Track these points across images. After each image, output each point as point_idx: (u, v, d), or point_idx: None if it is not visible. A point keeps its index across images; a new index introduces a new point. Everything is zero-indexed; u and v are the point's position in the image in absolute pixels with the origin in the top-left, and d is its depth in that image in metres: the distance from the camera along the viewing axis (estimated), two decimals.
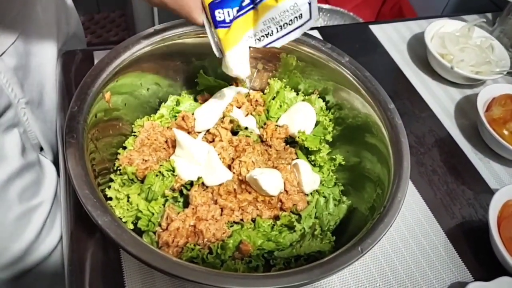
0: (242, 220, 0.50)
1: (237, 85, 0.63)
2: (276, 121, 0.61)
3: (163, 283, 0.49)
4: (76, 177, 0.41)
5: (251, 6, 0.44)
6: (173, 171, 0.51)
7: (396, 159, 0.49)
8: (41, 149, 0.68)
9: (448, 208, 0.64)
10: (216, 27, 0.44)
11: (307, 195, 0.54)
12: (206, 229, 0.47)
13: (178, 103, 0.61)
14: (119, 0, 1.85)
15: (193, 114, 0.57)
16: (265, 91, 0.64)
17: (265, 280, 0.38)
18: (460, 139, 0.74)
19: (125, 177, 0.50)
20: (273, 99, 0.63)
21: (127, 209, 0.48)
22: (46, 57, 0.66)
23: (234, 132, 0.58)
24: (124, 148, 0.55)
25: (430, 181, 0.67)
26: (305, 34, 0.50)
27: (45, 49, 0.66)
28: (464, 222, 0.63)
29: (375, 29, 0.91)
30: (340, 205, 0.54)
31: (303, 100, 0.62)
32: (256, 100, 0.62)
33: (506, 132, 0.69)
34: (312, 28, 0.53)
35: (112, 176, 0.50)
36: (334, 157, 0.58)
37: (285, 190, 0.52)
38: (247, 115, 0.61)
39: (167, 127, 0.57)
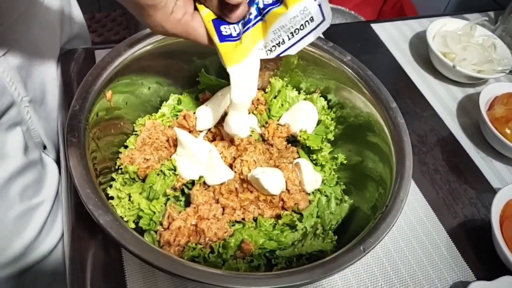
0: (243, 219, 0.50)
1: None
2: (278, 120, 0.61)
3: (165, 282, 0.49)
4: (77, 176, 0.41)
5: (259, 18, 0.43)
6: (175, 170, 0.51)
7: (398, 158, 0.49)
8: (44, 147, 0.68)
9: (450, 207, 0.64)
10: (221, 41, 0.42)
11: (309, 194, 0.54)
12: (208, 228, 0.47)
13: (179, 102, 0.61)
14: None
15: (194, 113, 0.57)
16: (267, 90, 0.64)
17: (267, 280, 0.38)
18: (462, 138, 0.74)
19: (127, 176, 0.50)
20: (274, 98, 0.63)
21: (129, 208, 0.48)
22: (49, 56, 0.66)
23: None
24: (126, 147, 0.55)
25: (432, 180, 0.67)
26: None
27: (48, 48, 0.66)
28: (467, 221, 0.63)
29: (377, 27, 0.91)
30: (342, 204, 0.54)
31: (304, 99, 0.62)
32: (258, 99, 0.62)
33: (508, 131, 0.68)
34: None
35: (113, 175, 0.50)
36: (336, 156, 0.58)
37: (286, 189, 0.52)
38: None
39: (169, 126, 0.57)
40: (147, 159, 0.52)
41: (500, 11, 0.97)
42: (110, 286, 0.48)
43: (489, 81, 0.84)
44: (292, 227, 0.50)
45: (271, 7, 0.42)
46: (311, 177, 0.53)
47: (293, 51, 0.43)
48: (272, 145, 0.57)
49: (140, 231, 0.48)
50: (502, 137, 0.68)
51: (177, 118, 0.58)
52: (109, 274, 0.49)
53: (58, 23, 0.68)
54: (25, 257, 0.60)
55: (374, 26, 0.91)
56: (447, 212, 0.63)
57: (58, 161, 0.68)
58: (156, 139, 0.55)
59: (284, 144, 0.59)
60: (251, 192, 0.50)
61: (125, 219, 0.47)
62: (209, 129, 0.57)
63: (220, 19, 0.42)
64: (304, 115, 0.59)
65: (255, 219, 0.51)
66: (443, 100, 0.80)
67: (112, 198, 0.47)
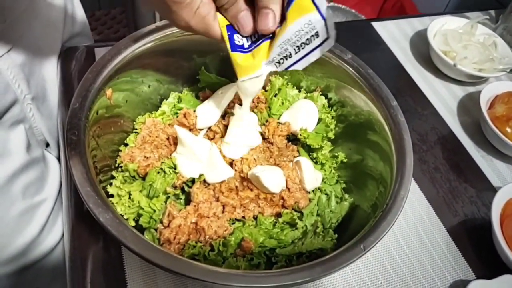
0: (243, 217, 0.50)
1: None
2: (278, 119, 0.61)
3: (165, 280, 0.49)
4: (77, 174, 0.41)
5: (269, 35, 0.42)
6: (175, 168, 0.51)
7: (398, 157, 0.49)
8: (47, 145, 0.68)
9: (451, 206, 0.64)
10: (232, 50, 0.42)
11: (309, 192, 0.54)
12: (208, 226, 0.46)
13: (179, 100, 0.61)
14: None
15: (194, 111, 0.57)
16: (267, 88, 0.64)
17: (267, 278, 0.38)
18: (463, 137, 0.74)
19: (127, 174, 0.50)
20: (275, 96, 0.63)
21: (129, 206, 0.47)
22: (51, 54, 0.66)
23: None
24: (126, 145, 0.55)
25: (432, 179, 0.67)
26: None
27: (50, 45, 0.66)
28: (467, 220, 0.63)
29: (378, 26, 0.91)
30: (342, 203, 0.54)
31: (305, 97, 0.62)
32: (258, 97, 0.62)
33: (509, 130, 0.68)
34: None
35: (113, 173, 0.50)
36: (336, 154, 0.58)
37: (287, 187, 0.52)
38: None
39: (169, 124, 0.57)
40: (147, 157, 0.52)
41: (501, 9, 0.97)
42: (110, 284, 0.48)
43: (489, 80, 0.84)
44: (292, 225, 0.50)
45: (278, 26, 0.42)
46: (311, 175, 0.53)
47: (299, 67, 0.42)
48: (272, 144, 0.57)
49: (140, 229, 0.48)
50: (503, 136, 0.68)
51: (177, 116, 0.58)
52: (109, 272, 0.49)
53: (60, 20, 0.69)
54: (27, 254, 0.60)
55: (375, 24, 0.91)
56: (447, 210, 0.63)
57: (60, 159, 0.68)
58: (156, 137, 0.54)
59: (285, 142, 0.59)
60: (251, 190, 0.50)
61: (125, 217, 0.47)
62: (209, 127, 0.57)
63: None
64: (304, 114, 0.59)
65: (255, 217, 0.51)
66: (443, 98, 0.80)
67: (112, 196, 0.47)
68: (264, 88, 0.64)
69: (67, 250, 0.51)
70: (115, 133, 0.53)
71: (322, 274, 0.39)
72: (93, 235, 0.51)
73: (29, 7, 0.58)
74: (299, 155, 0.57)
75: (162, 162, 0.51)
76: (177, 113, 0.60)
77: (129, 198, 0.48)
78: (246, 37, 0.43)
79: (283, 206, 0.52)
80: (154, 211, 0.48)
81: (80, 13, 0.76)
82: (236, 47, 0.42)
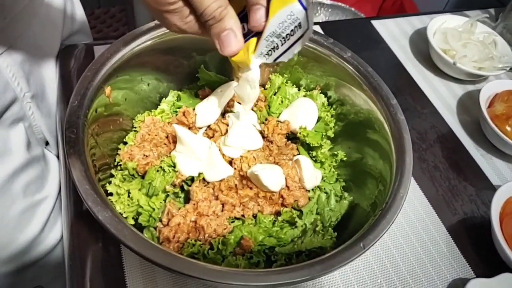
0: (243, 215, 0.50)
1: (237, 81, 0.63)
2: (278, 117, 0.61)
3: (164, 278, 0.49)
4: (76, 172, 0.41)
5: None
6: (174, 166, 0.51)
7: (398, 155, 0.49)
8: (47, 143, 0.68)
9: (450, 204, 0.64)
10: None
11: (309, 191, 0.54)
12: (207, 225, 0.46)
13: (179, 98, 0.60)
14: None
15: (194, 109, 0.57)
16: (266, 86, 0.64)
17: (267, 276, 0.38)
18: (462, 135, 0.74)
19: (126, 172, 0.50)
20: (274, 94, 0.62)
21: (128, 205, 0.47)
22: (50, 52, 0.66)
23: None
24: (125, 143, 0.54)
25: (432, 177, 0.67)
26: None
27: (50, 43, 0.66)
28: (466, 218, 0.63)
29: (377, 24, 0.91)
30: (341, 201, 0.54)
31: (304, 96, 0.62)
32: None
33: (508, 128, 0.68)
34: (314, 23, 0.51)
35: (112, 171, 0.50)
36: (335, 153, 0.58)
37: (286, 186, 0.52)
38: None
39: (168, 123, 0.57)
40: (147, 156, 0.52)
41: (501, 8, 0.97)
42: (109, 282, 0.48)
43: (489, 78, 0.84)
44: (292, 223, 0.50)
45: None
46: (311, 174, 0.53)
47: (285, 58, 0.43)
48: (271, 142, 0.57)
49: (139, 227, 0.48)
50: (502, 134, 0.68)
51: (176, 115, 0.58)
52: (108, 270, 0.49)
53: (60, 18, 0.68)
54: (28, 253, 0.60)
55: (375, 22, 0.91)
56: (446, 209, 0.63)
57: (60, 157, 0.68)
58: (156, 135, 0.54)
59: (284, 141, 0.59)
60: (251, 188, 0.50)
61: (124, 215, 0.47)
62: (209, 126, 0.57)
63: None
64: (304, 112, 0.59)
65: (254, 216, 0.51)
66: (443, 97, 0.80)
67: (111, 194, 0.47)
68: (263, 86, 0.64)
69: (67, 248, 0.51)
70: (114, 131, 0.53)
71: (322, 273, 0.39)
72: (92, 233, 0.51)
73: (29, 5, 0.58)
74: (299, 154, 0.57)
75: (161, 161, 0.51)
76: (176, 111, 0.59)
77: (128, 196, 0.48)
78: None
79: (283, 205, 0.51)
80: (154, 209, 0.48)
81: (79, 10, 0.76)
82: None
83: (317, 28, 0.85)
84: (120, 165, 0.51)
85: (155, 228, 0.48)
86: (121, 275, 0.49)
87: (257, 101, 0.62)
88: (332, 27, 0.87)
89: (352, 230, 0.45)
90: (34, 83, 0.61)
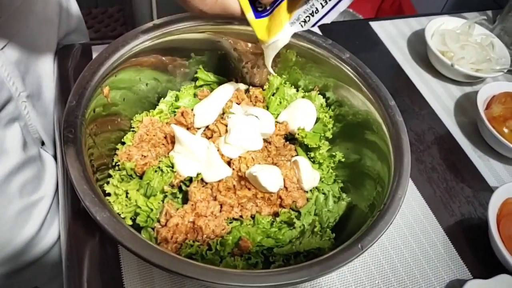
0: (241, 216, 0.50)
1: (236, 81, 0.63)
2: (276, 118, 0.61)
3: (162, 279, 0.49)
4: (74, 172, 0.40)
5: None
6: (172, 167, 0.51)
7: (396, 156, 0.49)
8: (43, 143, 0.67)
9: (448, 205, 0.64)
10: (256, 17, 0.43)
11: (307, 192, 0.54)
12: (205, 226, 0.46)
13: (177, 98, 0.60)
14: None
15: (192, 110, 0.57)
16: (265, 87, 0.64)
17: (265, 277, 0.38)
18: (460, 137, 0.74)
19: (124, 172, 0.50)
20: (272, 95, 0.62)
21: (126, 205, 0.47)
22: (46, 51, 0.66)
23: None
24: (123, 143, 0.54)
25: (429, 179, 0.67)
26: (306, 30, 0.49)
27: (46, 42, 0.66)
28: (463, 219, 0.63)
29: (375, 25, 0.91)
30: (339, 202, 0.54)
31: (303, 97, 0.62)
32: (256, 96, 0.61)
33: (506, 130, 0.69)
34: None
35: (110, 171, 0.50)
36: (334, 154, 0.58)
37: (284, 186, 0.52)
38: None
39: (166, 123, 0.57)
40: (145, 156, 0.51)
41: (499, 10, 0.97)
42: (106, 282, 0.48)
43: (487, 80, 0.84)
44: (290, 224, 0.50)
45: None
46: (309, 175, 0.53)
47: (327, 20, 0.42)
48: (270, 143, 0.57)
49: (137, 228, 0.48)
50: (500, 136, 0.68)
51: (175, 115, 0.58)
52: (106, 270, 0.49)
53: (56, 17, 0.68)
54: (25, 253, 0.59)
55: (373, 24, 0.91)
56: (444, 210, 0.63)
57: (56, 157, 0.67)
58: (154, 135, 0.54)
59: (282, 141, 0.59)
60: (249, 189, 0.50)
61: (122, 216, 0.47)
62: (207, 126, 0.57)
63: None
64: (302, 113, 0.59)
65: (252, 217, 0.51)
66: (441, 98, 0.80)
67: (109, 194, 0.47)
68: (262, 87, 0.64)
69: (64, 248, 0.51)
70: (112, 131, 0.53)
71: (320, 274, 0.39)
72: (89, 233, 0.51)
73: (25, 3, 0.58)
74: (297, 155, 0.57)
75: (159, 161, 0.51)
76: (174, 111, 0.59)
77: (126, 197, 0.48)
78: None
79: (281, 206, 0.51)
80: (151, 210, 0.48)
81: (74, 7, 0.75)
82: (259, 15, 0.43)
83: (315, 29, 0.85)
84: (118, 165, 0.51)
85: (153, 229, 0.48)
86: (118, 275, 0.48)
87: (255, 101, 0.62)
88: (330, 28, 0.87)
89: (350, 231, 0.45)
90: (30, 82, 0.61)
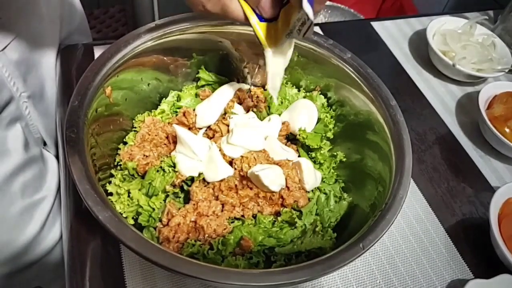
0: (243, 216, 0.50)
1: (238, 81, 0.63)
2: None
3: (163, 278, 0.49)
4: (76, 172, 0.41)
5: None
6: (174, 166, 0.51)
7: (397, 156, 0.49)
8: (45, 143, 0.67)
9: (449, 205, 0.64)
10: (261, 21, 0.43)
11: (308, 192, 0.54)
12: (207, 225, 0.46)
13: (179, 98, 0.61)
14: None
15: (194, 110, 0.57)
16: (266, 87, 0.64)
17: (266, 276, 0.38)
18: (461, 137, 0.74)
19: (126, 172, 0.50)
20: None
21: (128, 205, 0.47)
22: (48, 51, 0.66)
23: None
24: (125, 143, 0.54)
25: (430, 179, 0.67)
26: None
27: (48, 43, 0.66)
28: (465, 219, 0.63)
29: (377, 25, 0.91)
30: (341, 202, 0.54)
31: (304, 97, 0.62)
32: (257, 96, 0.62)
33: (507, 130, 0.68)
34: (314, 24, 0.51)
35: (112, 171, 0.50)
36: (335, 154, 0.58)
37: (286, 186, 0.52)
38: (248, 111, 0.60)
39: (168, 123, 0.57)
40: (147, 156, 0.52)
41: (500, 10, 0.97)
42: (109, 282, 0.48)
43: (488, 80, 0.84)
44: (291, 224, 0.50)
45: None
46: (311, 175, 0.53)
47: (310, 33, 0.43)
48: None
49: (139, 227, 0.48)
50: (501, 136, 0.68)
51: (176, 115, 0.58)
52: (108, 270, 0.49)
53: (57, 17, 0.68)
54: (27, 253, 0.60)
55: (374, 24, 0.91)
56: (445, 210, 0.63)
57: (58, 157, 0.68)
58: (156, 135, 0.54)
59: (284, 142, 0.59)
60: (251, 189, 0.50)
61: (124, 215, 0.47)
62: (209, 126, 0.57)
63: None
64: (303, 113, 0.59)
65: (254, 216, 0.51)
66: (442, 98, 0.80)
67: (111, 194, 0.47)
68: (263, 87, 0.64)
69: (66, 248, 0.51)
70: (114, 131, 0.53)
71: (321, 273, 0.39)
72: (91, 233, 0.51)
73: (25, 5, 0.58)
74: (299, 155, 0.57)
75: (161, 161, 0.51)
76: (176, 111, 0.59)
77: (128, 196, 0.48)
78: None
79: (282, 205, 0.52)
80: (153, 209, 0.48)
81: (78, 8, 0.76)
82: (262, 18, 0.43)
83: (317, 29, 0.85)
84: (120, 165, 0.51)
85: (155, 228, 0.48)
86: (120, 275, 0.49)
87: (256, 102, 0.62)
88: (331, 28, 0.88)
89: (352, 231, 0.45)
90: (31, 82, 0.61)
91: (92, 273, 0.48)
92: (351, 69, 0.57)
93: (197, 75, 0.61)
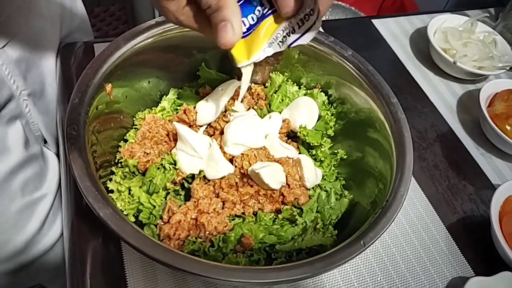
0: (243, 213, 0.50)
1: (239, 79, 0.63)
2: None
3: (164, 275, 0.49)
4: (77, 169, 0.41)
5: (272, 9, 0.40)
6: (175, 164, 0.51)
7: (398, 154, 0.49)
8: (45, 141, 0.67)
9: (450, 203, 0.64)
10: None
11: (309, 189, 0.54)
12: (208, 222, 0.46)
13: (179, 96, 0.60)
14: None
15: (194, 107, 0.57)
16: (267, 84, 0.64)
17: (267, 273, 0.38)
18: (462, 134, 0.74)
19: (127, 169, 0.50)
20: (275, 92, 0.63)
21: (129, 202, 0.47)
22: (49, 49, 0.66)
23: None
24: (125, 141, 0.54)
25: (431, 176, 0.67)
26: None
27: (48, 41, 0.66)
28: (466, 217, 0.63)
29: (378, 23, 0.91)
30: (341, 199, 0.54)
31: (305, 94, 0.62)
32: (258, 94, 0.62)
33: (508, 128, 0.68)
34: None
35: (113, 168, 0.50)
36: (336, 151, 0.58)
37: (287, 183, 0.52)
38: (248, 109, 0.60)
39: (169, 120, 0.57)
40: (147, 153, 0.52)
41: (501, 7, 0.97)
42: (109, 279, 0.48)
43: (489, 78, 0.84)
44: (292, 221, 0.50)
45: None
46: (312, 172, 0.53)
47: (304, 41, 0.41)
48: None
49: (140, 224, 0.48)
50: (502, 133, 0.68)
51: (177, 113, 0.58)
52: (109, 267, 0.49)
53: (58, 15, 0.68)
54: (27, 251, 0.60)
55: (375, 21, 0.91)
56: (446, 208, 0.63)
57: (59, 155, 0.68)
58: (156, 133, 0.54)
59: (284, 139, 0.59)
60: (251, 186, 0.50)
61: (125, 212, 0.47)
62: (209, 124, 0.57)
63: None
64: (304, 111, 0.59)
65: (255, 214, 0.51)
66: (443, 96, 0.80)
67: (112, 191, 0.47)
68: (264, 84, 0.64)
69: (67, 245, 0.51)
70: (114, 128, 0.53)
71: (322, 270, 0.39)
72: (92, 230, 0.51)
73: (25, 3, 0.58)
74: (299, 152, 0.57)
75: (162, 158, 0.51)
76: (177, 109, 0.59)
77: (129, 193, 0.48)
78: (245, 22, 0.40)
79: (283, 203, 0.52)
80: (154, 207, 0.48)
81: (80, 7, 0.75)
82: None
83: None
84: (121, 162, 0.51)
85: (155, 226, 0.48)
86: (121, 272, 0.49)
87: (257, 99, 0.62)
88: (332, 26, 0.87)
89: (352, 228, 0.45)
90: (31, 80, 0.61)
91: (93, 270, 0.48)
92: (352, 66, 0.56)
93: (197, 73, 0.61)
